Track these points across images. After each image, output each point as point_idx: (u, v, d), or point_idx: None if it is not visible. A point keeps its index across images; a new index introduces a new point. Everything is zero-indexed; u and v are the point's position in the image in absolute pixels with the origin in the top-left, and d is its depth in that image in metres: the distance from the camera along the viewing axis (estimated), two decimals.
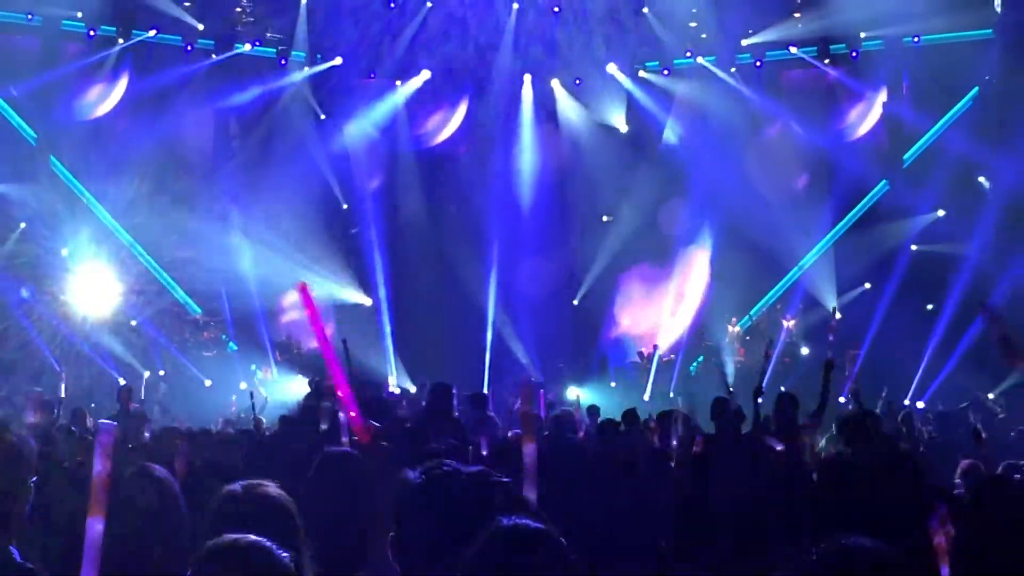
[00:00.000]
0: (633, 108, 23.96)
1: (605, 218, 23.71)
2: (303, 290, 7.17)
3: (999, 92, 21.47)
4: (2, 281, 20.45)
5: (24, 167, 21.63)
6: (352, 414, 6.34)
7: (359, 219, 23.08)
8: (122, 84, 22.17)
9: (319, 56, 23.29)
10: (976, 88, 21.87)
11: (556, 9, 22.45)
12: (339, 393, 6.51)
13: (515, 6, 22.47)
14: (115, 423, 3.80)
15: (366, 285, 22.79)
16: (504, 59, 23.22)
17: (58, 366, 19.80)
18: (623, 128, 24.03)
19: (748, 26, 22.59)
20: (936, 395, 20.44)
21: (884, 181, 22.62)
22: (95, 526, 3.50)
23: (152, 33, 22.21)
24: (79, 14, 21.61)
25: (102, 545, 3.51)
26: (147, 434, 10.71)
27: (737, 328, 22.56)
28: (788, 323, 22.44)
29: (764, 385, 20.04)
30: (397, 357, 21.98)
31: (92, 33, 21.94)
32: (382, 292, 22.48)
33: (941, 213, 22.34)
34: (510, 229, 23.16)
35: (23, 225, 21.25)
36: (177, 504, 4.44)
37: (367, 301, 22.68)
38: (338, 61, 23.21)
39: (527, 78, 23.62)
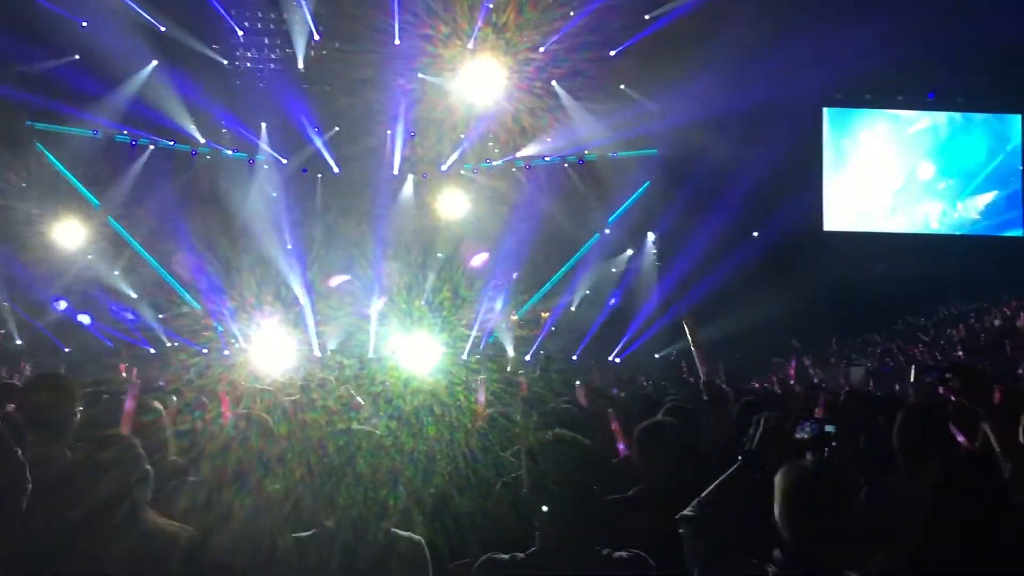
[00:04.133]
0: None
1: (439, 254, 23.76)
2: None
3: (660, 184, 22.60)
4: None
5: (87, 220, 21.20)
6: None
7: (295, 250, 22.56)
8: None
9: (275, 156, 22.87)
10: (647, 183, 22.83)
11: (412, 133, 22.72)
12: None
13: (388, 132, 22.56)
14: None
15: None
16: (385, 159, 23.11)
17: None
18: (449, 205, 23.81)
19: (519, 143, 22.87)
20: (627, 358, 21.26)
21: (596, 234, 23.25)
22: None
23: (172, 142, 21.87)
24: (125, 132, 21.32)
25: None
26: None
27: (516, 317, 23.30)
28: (544, 314, 23.32)
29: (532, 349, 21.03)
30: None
31: (134, 143, 21.69)
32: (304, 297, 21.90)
33: (630, 252, 23.39)
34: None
35: (90, 256, 21.13)
36: None
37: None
38: (284, 160, 22.98)
39: (396, 172, 23.43)
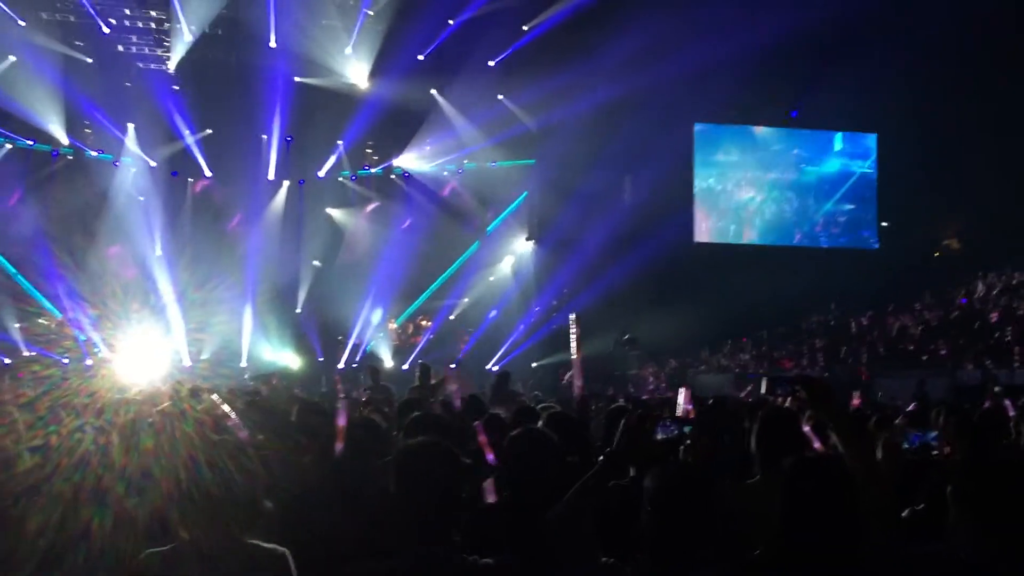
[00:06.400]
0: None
1: (315, 262, 23.30)
2: None
3: (538, 194, 22.84)
4: None
5: None
6: None
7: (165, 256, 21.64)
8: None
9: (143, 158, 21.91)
10: (526, 192, 23.07)
11: (288, 138, 22.27)
12: None
13: (263, 136, 22.05)
14: None
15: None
16: (260, 163, 22.56)
17: None
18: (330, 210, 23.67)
19: (394, 152, 22.77)
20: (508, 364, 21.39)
21: (477, 243, 23.27)
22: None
23: (31, 142, 20.78)
24: None
25: None
26: None
27: (395, 324, 23.15)
28: (425, 323, 23.26)
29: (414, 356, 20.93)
30: None
31: None
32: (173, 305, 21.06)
33: (510, 261, 23.55)
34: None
35: None
36: None
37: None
38: (153, 163, 22.10)
39: (271, 177, 22.98)
